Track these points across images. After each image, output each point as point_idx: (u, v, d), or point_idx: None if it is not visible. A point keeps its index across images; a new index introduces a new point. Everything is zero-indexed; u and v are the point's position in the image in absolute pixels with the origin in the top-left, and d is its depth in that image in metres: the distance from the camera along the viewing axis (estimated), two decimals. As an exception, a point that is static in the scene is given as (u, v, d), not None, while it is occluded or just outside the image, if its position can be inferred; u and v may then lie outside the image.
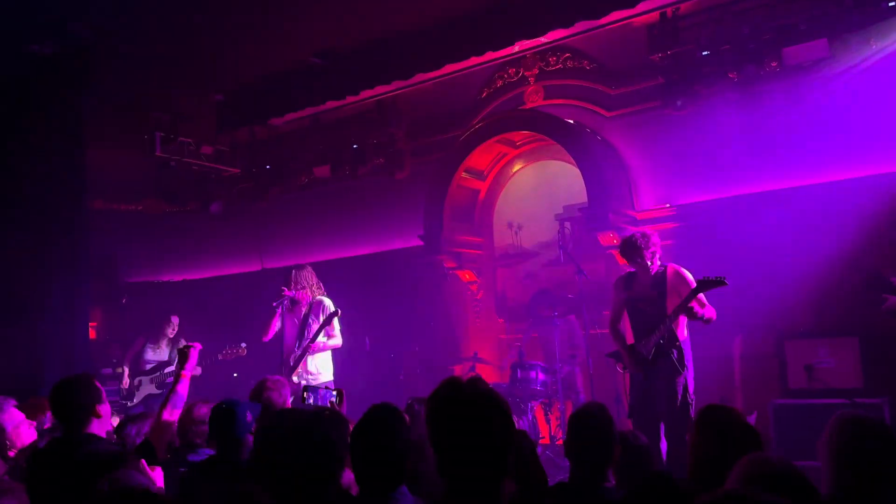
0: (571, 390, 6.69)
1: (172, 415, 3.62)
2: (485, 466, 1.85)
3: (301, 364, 5.83)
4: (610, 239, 6.93)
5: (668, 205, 6.95)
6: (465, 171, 8.08)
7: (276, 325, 5.96)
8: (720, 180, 6.62)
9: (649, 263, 5.22)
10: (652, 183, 7.11)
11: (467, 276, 8.24)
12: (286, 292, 5.94)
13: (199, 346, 3.88)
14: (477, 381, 1.98)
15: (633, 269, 5.32)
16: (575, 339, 6.88)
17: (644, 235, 5.28)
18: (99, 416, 3.26)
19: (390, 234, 8.49)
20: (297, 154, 8.63)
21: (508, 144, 8.11)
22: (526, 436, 2.96)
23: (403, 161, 8.49)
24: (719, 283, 4.82)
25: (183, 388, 3.71)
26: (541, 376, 6.61)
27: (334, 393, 3.53)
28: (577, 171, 7.22)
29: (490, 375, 7.67)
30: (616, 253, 6.75)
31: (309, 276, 6.11)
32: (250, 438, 3.24)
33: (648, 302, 5.23)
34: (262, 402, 3.70)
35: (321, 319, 5.97)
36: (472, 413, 1.87)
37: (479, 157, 8.09)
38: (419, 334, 7.49)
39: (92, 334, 8.20)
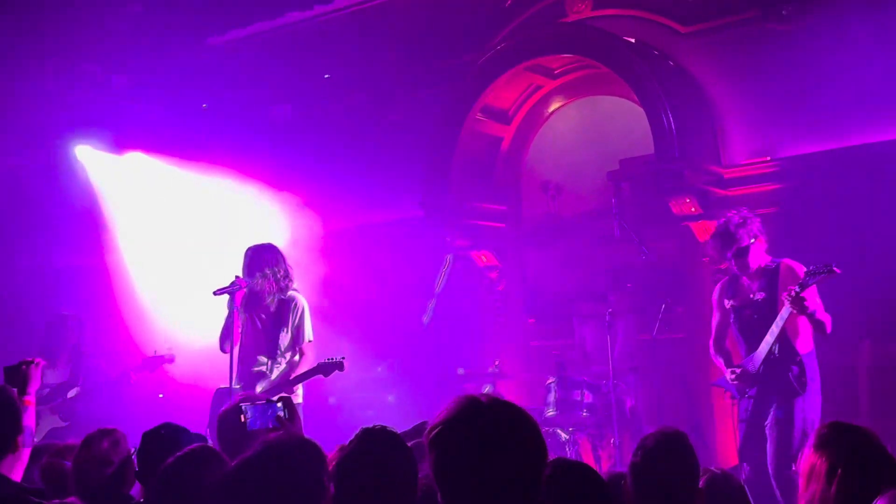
0: (630, 417, 6.56)
1: (22, 456, 3.59)
2: None
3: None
4: (686, 206, 6.76)
5: (768, 158, 6.81)
6: (483, 110, 7.86)
7: (239, 328, 5.91)
8: (843, 123, 6.46)
9: (750, 259, 5.33)
10: (746, 127, 6.95)
11: (484, 259, 8.07)
12: (239, 280, 5.83)
13: (41, 361, 3.95)
14: (498, 400, 1.96)
15: (734, 272, 5.47)
16: (635, 346, 6.83)
17: (741, 220, 5.35)
18: (16, 450, 3.33)
19: (375, 200, 8.32)
20: (246, 87, 8.53)
21: (543, 73, 7.86)
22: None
23: (395, 97, 8.32)
24: (827, 272, 4.97)
25: (30, 419, 3.74)
26: (588, 397, 6.50)
27: (280, 405, 3.49)
28: (639, 111, 7.02)
29: (516, 395, 7.43)
30: (693, 225, 6.94)
31: (274, 260, 6.01)
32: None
33: (755, 308, 5.41)
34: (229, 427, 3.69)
35: (292, 323, 5.96)
36: (494, 441, 1.84)
37: (503, 92, 7.85)
38: (417, 340, 7.32)
39: None
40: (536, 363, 7.78)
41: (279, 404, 3.50)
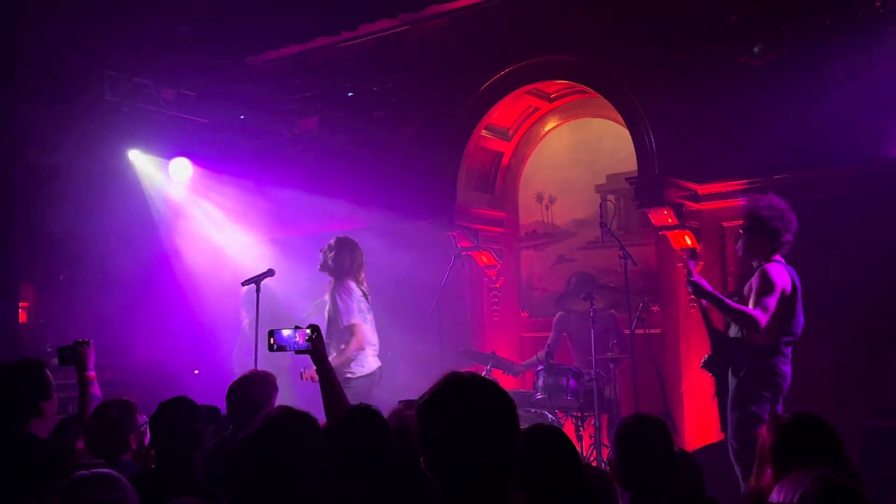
0: (609, 402, 6.55)
1: (48, 419, 3.61)
2: (482, 475, 1.88)
3: None
4: (664, 217, 6.78)
5: (738, 178, 6.76)
6: (486, 128, 7.94)
7: None
8: (804, 148, 6.38)
9: (745, 247, 5.25)
10: (719, 149, 6.86)
11: (485, 259, 8.11)
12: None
13: (91, 340, 4.02)
14: (479, 376, 2.03)
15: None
16: (616, 338, 6.77)
17: (767, 205, 5.14)
18: (41, 415, 3.35)
19: (390, 204, 8.30)
20: (280, 101, 8.45)
21: (540, 96, 7.96)
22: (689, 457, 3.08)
23: (409, 114, 8.32)
24: (690, 256, 5.32)
25: (97, 389, 3.91)
26: (572, 383, 6.47)
27: (308, 331, 3.54)
28: (625, 132, 7.06)
29: (509, 380, 7.49)
30: (669, 234, 6.96)
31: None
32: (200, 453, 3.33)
33: (734, 298, 5.31)
34: (239, 400, 3.88)
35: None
36: (473, 408, 1.90)
37: (504, 112, 7.94)
38: (423, 329, 7.34)
39: (22, 316, 8.34)
40: (528, 351, 7.74)
41: (308, 330, 3.55)
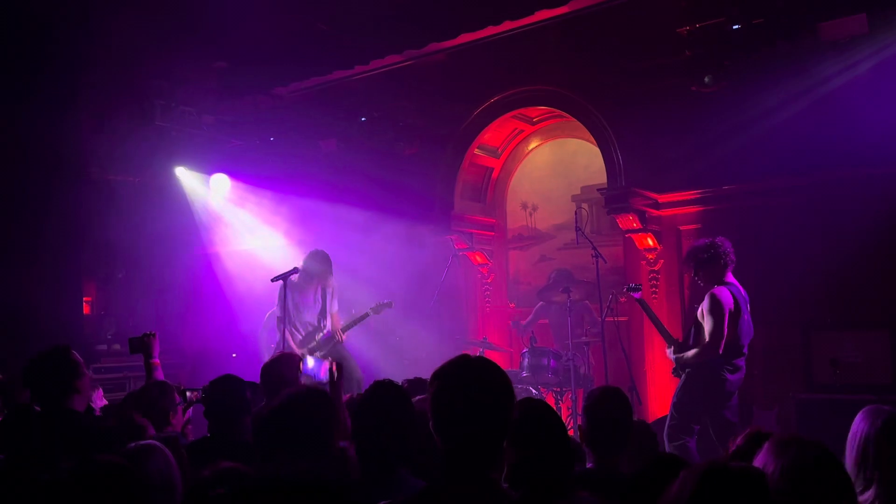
0: (584, 378, 6.75)
1: (84, 396, 3.65)
2: (485, 442, 1.94)
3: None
4: (629, 222, 7.06)
5: (692, 188, 6.95)
6: (479, 147, 8.20)
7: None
8: (747, 163, 6.58)
9: (701, 277, 5.36)
10: (676, 164, 7.04)
11: (478, 258, 8.37)
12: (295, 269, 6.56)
13: (156, 333, 4.16)
14: (482, 357, 2.14)
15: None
16: (589, 325, 6.98)
17: (725, 248, 5.32)
18: (78, 392, 3.37)
19: (397, 212, 8.42)
20: (303, 125, 8.56)
21: (524, 120, 8.23)
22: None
23: (413, 136, 8.49)
24: (631, 289, 5.69)
25: (160, 374, 4.05)
26: (552, 363, 6.69)
27: (331, 366, 3.58)
28: (596, 150, 7.33)
29: (500, 361, 7.31)
30: (635, 237, 7.22)
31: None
32: (248, 419, 3.43)
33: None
34: (274, 377, 3.93)
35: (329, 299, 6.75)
36: (476, 383, 1.97)
37: (494, 133, 8.21)
38: (425, 317, 7.45)
39: (86, 309, 8.51)
40: (516, 336, 7.87)
41: (333, 366, 3.57)
